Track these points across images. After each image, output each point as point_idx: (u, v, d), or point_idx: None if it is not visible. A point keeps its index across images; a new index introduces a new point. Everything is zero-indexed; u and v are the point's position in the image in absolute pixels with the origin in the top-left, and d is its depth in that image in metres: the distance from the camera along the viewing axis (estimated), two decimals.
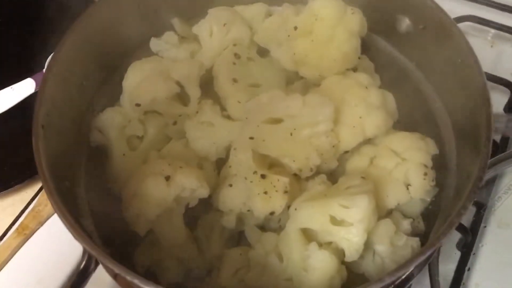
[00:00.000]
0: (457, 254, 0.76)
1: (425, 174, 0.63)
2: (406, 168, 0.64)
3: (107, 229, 0.67)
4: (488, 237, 0.79)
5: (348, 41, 0.72)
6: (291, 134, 0.65)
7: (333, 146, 0.66)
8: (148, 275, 0.69)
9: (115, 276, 0.63)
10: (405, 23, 0.71)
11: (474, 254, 0.77)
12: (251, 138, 0.65)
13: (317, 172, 0.69)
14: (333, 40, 0.72)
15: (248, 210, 0.67)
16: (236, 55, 0.74)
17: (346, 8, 0.72)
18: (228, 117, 0.73)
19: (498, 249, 0.78)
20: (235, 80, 0.72)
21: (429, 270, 0.73)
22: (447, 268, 0.74)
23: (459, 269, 0.75)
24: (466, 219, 0.79)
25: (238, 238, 0.72)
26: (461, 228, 0.77)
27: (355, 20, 0.72)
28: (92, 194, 0.69)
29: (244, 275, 0.65)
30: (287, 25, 0.72)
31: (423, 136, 0.68)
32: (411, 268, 0.53)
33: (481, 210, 0.80)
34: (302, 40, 0.72)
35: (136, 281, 0.48)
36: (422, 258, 0.49)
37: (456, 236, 0.77)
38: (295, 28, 0.72)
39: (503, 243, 0.78)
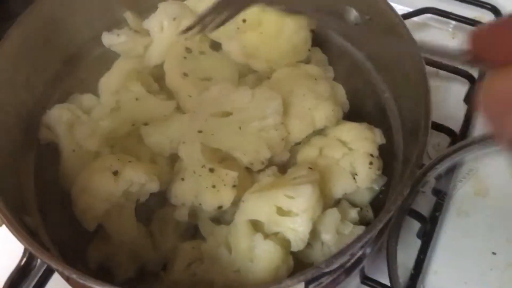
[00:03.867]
0: (418, 242, 0.77)
1: (371, 163, 0.64)
2: (352, 158, 0.65)
3: (58, 226, 0.66)
4: (447, 225, 0.80)
5: (297, 33, 0.73)
6: (240, 128, 0.65)
7: (283, 139, 0.67)
8: (102, 271, 0.69)
9: (67, 279, 0.63)
10: (352, 14, 0.71)
11: (434, 242, 0.78)
12: (200, 131, 0.65)
13: (269, 164, 0.69)
14: (282, 32, 0.73)
15: (200, 204, 0.67)
16: (187, 49, 0.74)
17: None
18: (182, 112, 0.72)
19: (457, 237, 0.79)
20: (185, 74, 0.72)
21: (387, 260, 0.74)
22: (407, 256, 0.75)
23: (419, 257, 0.76)
24: (426, 208, 0.80)
25: (193, 231, 0.72)
26: (419, 216, 0.78)
27: None
28: (42, 192, 0.68)
29: (196, 268, 0.66)
30: (236, 18, 0.72)
31: (371, 126, 0.69)
32: (345, 258, 0.53)
33: (441, 198, 0.81)
34: (251, 33, 0.72)
35: (74, 276, 0.48)
36: (357, 246, 0.50)
37: (416, 224, 0.78)
38: (244, 20, 0.72)
39: (462, 230, 0.80)
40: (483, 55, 0.27)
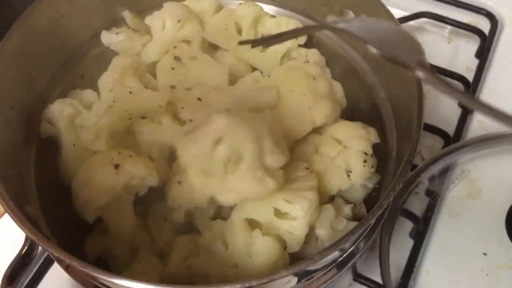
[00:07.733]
0: (410, 242, 0.79)
1: (365, 161, 0.65)
2: (347, 155, 0.66)
3: (57, 219, 0.67)
4: (439, 225, 0.81)
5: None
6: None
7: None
8: (99, 264, 0.70)
9: (66, 268, 0.64)
10: (349, 16, 0.73)
11: (426, 242, 0.79)
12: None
13: None
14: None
15: (196, 208, 0.68)
16: (176, 58, 0.74)
17: None
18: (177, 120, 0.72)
19: (449, 237, 0.80)
20: (172, 87, 0.73)
21: (380, 258, 0.75)
22: (399, 255, 0.77)
23: (411, 257, 0.77)
24: (419, 208, 0.82)
25: (189, 226, 0.73)
26: (411, 216, 0.79)
27: None
28: (42, 184, 0.69)
29: (192, 261, 0.66)
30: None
31: (366, 125, 0.70)
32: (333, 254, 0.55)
33: (433, 199, 0.82)
34: None
35: (74, 264, 0.49)
36: (351, 239, 0.51)
37: (409, 224, 0.79)
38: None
39: (453, 231, 0.81)
40: None
